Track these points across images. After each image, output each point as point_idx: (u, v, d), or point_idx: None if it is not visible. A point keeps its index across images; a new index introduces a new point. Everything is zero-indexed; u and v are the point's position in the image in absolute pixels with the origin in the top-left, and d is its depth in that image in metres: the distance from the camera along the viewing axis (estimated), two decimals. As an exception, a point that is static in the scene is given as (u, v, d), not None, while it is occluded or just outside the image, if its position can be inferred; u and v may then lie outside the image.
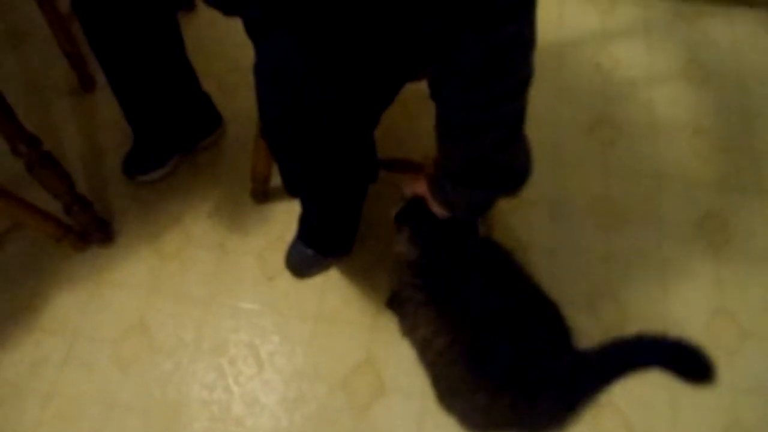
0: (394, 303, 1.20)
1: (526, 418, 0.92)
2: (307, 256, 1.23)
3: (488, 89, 0.65)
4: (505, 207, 1.33)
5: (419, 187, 0.89)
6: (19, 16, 1.62)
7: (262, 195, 1.33)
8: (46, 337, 1.20)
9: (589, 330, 1.18)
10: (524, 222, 1.31)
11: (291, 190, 0.97)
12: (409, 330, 1.06)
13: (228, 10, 0.77)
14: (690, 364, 0.96)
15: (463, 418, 1.02)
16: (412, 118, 1.44)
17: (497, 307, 0.96)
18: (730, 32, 1.60)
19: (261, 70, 0.78)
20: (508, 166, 0.73)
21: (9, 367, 1.17)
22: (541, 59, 1.66)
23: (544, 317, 1.00)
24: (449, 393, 1.02)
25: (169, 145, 1.34)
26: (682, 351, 0.96)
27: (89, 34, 1.03)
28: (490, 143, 0.69)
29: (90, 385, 1.15)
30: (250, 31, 0.85)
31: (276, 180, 1.30)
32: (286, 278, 1.26)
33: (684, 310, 1.21)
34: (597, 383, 0.95)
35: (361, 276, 1.26)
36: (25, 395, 1.14)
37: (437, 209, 0.87)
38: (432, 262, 0.98)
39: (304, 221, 1.20)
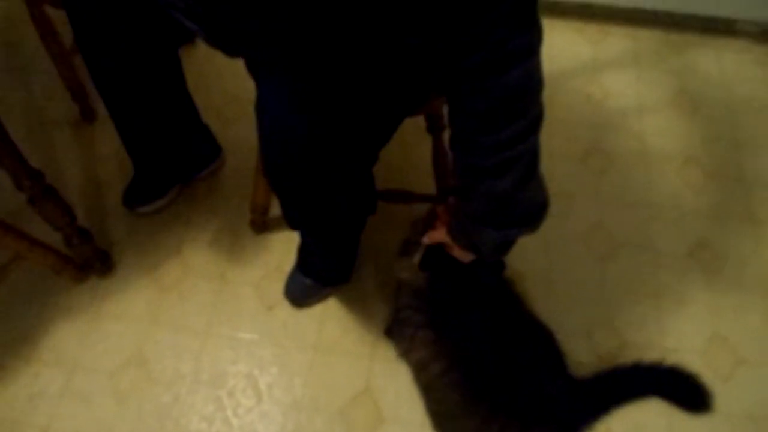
0: (393, 326, 1.20)
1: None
2: (306, 285, 1.24)
3: (503, 131, 0.66)
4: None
5: (438, 236, 0.90)
6: (22, 51, 1.65)
7: (261, 225, 1.34)
8: (44, 369, 1.20)
9: (586, 358, 1.20)
10: (519, 251, 1.32)
11: (292, 224, 0.98)
12: (405, 352, 1.07)
13: (230, 52, 0.79)
14: (686, 392, 0.97)
15: None
16: (407, 149, 1.46)
17: (493, 334, 0.97)
18: (718, 62, 1.64)
19: (262, 109, 0.80)
20: (528, 202, 0.74)
21: (7, 400, 1.16)
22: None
23: (538, 343, 1.01)
24: (444, 417, 1.03)
25: (169, 177, 1.36)
26: (678, 379, 0.98)
27: (92, 69, 1.05)
28: (509, 183, 0.70)
29: (88, 417, 1.15)
30: (252, 70, 0.88)
31: (274, 210, 1.32)
32: (285, 308, 1.26)
33: (680, 337, 1.22)
34: (594, 412, 0.96)
35: (360, 305, 1.27)
36: (22, 429, 1.13)
37: (460, 254, 0.87)
38: (435, 291, 0.99)
39: (303, 251, 1.21)
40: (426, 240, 0.92)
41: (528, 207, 0.75)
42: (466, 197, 0.77)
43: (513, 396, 0.94)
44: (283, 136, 0.77)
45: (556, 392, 0.95)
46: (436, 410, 1.06)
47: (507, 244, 0.80)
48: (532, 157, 0.72)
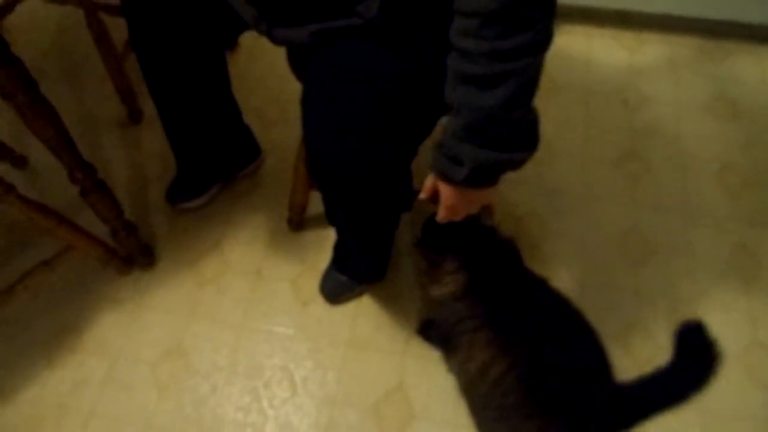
0: (429, 332, 1.21)
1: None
2: (341, 282, 1.26)
3: (502, 39, 0.65)
4: (534, 239, 1.36)
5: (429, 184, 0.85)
6: (75, 55, 1.73)
7: (298, 224, 1.37)
8: (88, 358, 1.25)
9: (623, 365, 1.18)
10: (554, 255, 1.33)
11: (332, 219, 1.00)
12: (463, 361, 1.03)
13: (281, 39, 0.80)
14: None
15: None
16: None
17: (547, 332, 0.97)
18: (758, 68, 1.62)
19: (308, 101, 0.82)
20: (514, 126, 0.72)
21: (54, 385, 1.21)
22: (569, 96, 1.70)
23: (589, 345, 1.00)
24: (495, 420, 1.02)
25: (211, 175, 1.40)
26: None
27: (145, 71, 1.10)
28: (498, 98, 0.68)
29: (129, 405, 1.19)
30: (295, 65, 0.90)
31: (311, 209, 1.35)
32: (320, 304, 1.29)
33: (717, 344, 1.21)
34: (634, 418, 0.95)
35: (393, 302, 1.28)
36: (67, 414, 1.18)
37: (442, 212, 0.84)
38: (480, 287, 0.98)
39: (339, 249, 1.24)
40: (422, 195, 0.87)
41: (512, 131, 0.72)
42: (452, 107, 0.74)
43: (569, 403, 0.93)
44: (328, 131, 0.80)
45: (602, 398, 0.95)
46: (489, 416, 1.04)
47: (486, 172, 0.76)
48: (527, 79, 0.69)
